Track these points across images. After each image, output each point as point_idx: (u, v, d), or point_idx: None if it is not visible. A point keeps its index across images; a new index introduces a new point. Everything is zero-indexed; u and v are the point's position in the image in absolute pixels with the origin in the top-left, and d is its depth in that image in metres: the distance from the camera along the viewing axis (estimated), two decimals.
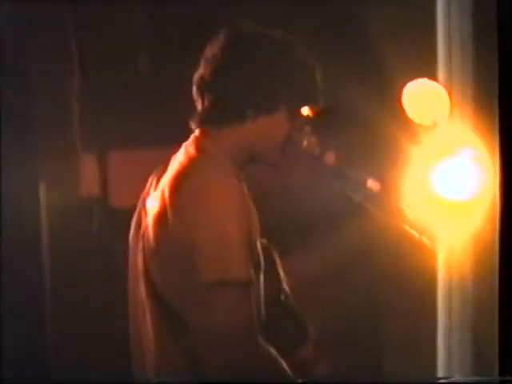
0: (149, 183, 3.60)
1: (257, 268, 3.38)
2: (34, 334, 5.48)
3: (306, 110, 3.52)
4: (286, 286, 3.66)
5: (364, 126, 4.26)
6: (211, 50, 3.51)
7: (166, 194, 3.41)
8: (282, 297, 3.58)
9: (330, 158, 3.66)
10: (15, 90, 4.99)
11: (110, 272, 4.68)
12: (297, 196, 3.93)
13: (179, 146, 3.55)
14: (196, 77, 3.53)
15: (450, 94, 4.09)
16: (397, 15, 4.42)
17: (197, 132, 3.54)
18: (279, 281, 3.62)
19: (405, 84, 4.15)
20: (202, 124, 3.52)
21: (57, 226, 4.97)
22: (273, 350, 3.34)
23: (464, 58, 4.41)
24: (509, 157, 3.83)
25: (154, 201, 3.48)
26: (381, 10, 4.43)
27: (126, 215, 3.64)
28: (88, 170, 5.17)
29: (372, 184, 3.78)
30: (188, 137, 3.54)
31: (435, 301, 4.79)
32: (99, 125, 5.15)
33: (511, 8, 4.15)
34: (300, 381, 3.48)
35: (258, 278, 3.39)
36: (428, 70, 4.31)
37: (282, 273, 3.66)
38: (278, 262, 3.62)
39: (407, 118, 4.14)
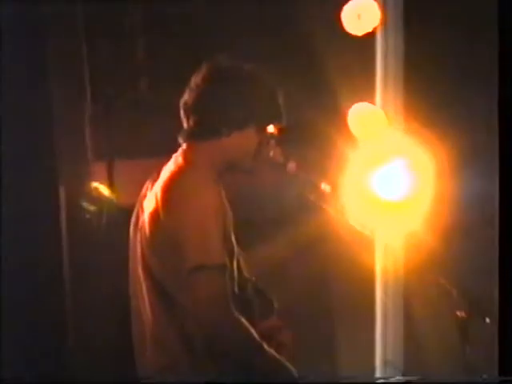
0: (145, 187, 3.61)
1: (231, 255, 3.42)
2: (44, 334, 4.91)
3: (271, 128, 3.56)
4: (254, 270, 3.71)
5: (317, 140, 4.28)
6: (194, 81, 3.56)
7: (159, 196, 3.45)
8: (253, 278, 3.60)
9: (291, 165, 3.70)
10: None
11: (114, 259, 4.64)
12: (265, 197, 3.95)
13: (169, 157, 3.58)
14: (182, 102, 3.57)
15: (385, 114, 4.17)
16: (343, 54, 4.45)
17: (184, 146, 3.58)
18: (250, 265, 3.65)
19: (349, 105, 4.25)
20: (187, 139, 3.57)
21: (73, 221, 4.97)
22: (245, 321, 3.33)
23: (396, 84, 4.42)
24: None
25: (149, 201, 3.52)
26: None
27: (127, 213, 3.68)
28: (98, 175, 5.17)
29: (324, 186, 3.83)
30: (176, 150, 3.58)
31: (373, 291, 4.79)
32: (108, 141, 5.17)
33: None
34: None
35: (232, 263, 3.41)
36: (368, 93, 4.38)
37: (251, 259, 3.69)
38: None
39: (351, 133, 4.22)
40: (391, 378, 4.69)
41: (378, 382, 4.66)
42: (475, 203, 4.71)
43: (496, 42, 4.27)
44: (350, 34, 4.50)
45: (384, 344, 4.73)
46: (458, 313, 4.19)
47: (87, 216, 5.19)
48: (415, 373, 4.31)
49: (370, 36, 4.53)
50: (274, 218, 3.88)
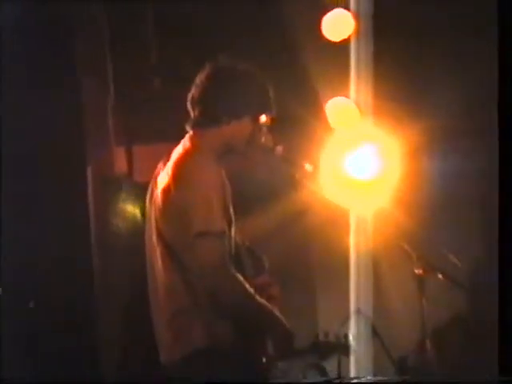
0: (158, 167, 3.59)
1: (229, 223, 3.43)
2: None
3: (263, 117, 3.56)
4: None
5: (301, 127, 4.27)
6: (199, 78, 3.55)
7: (170, 174, 3.45)
8: (247, 243, 3.61)
9: (279, 149, 3.67)
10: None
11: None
12: (257, 175, 3.95)
13: (178, 142, 3.57)
14: (189, 96, 3.56)
15: (358, 107, 4.18)
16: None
17: (190, 132, 3.56)
18: (245, 232, 3.64)
19: (327, 99, 4.26)
20: (193, 127, 3.56)
21: (100, 195, 4.99)
22: (240, 276, 3.34)
23: (367, 82, 4.41)
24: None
25: (161, 178, 3.51)
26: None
27: (144, 188, 3.68)
28: (119, 157, 5.17)
29: (307, 166, 3.84)
30: (184, 136, 3.57)
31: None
32: (127, 129, 5.16)
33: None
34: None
35: (230, 230, 3.42)
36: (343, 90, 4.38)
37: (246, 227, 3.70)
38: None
39: (329, 123, 4.23)
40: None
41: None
42: (435, 182, 4.70)
43: (452, 43, 4.30)
44: (329, 40, 4.48)
45: (357, 296, 4.71)
46: (416, 271, 4.23)
47: (111, 190, 5.16)
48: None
49: (346, 42, 4.50)
50: (265, 192, 3.87)
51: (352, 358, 4.71)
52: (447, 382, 4.17)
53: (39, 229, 4.68)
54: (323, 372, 4.99)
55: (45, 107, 4.63)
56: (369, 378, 4.37)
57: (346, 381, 4.21)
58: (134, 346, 4.66)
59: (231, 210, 3.49)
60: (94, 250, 4.92)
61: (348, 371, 4.73)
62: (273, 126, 3.63)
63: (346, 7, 4.51)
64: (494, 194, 4.34)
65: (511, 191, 3.63)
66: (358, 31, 4.51)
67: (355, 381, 4.27)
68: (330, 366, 4.92)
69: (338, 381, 4.36)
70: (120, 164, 5.20)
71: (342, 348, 4.77)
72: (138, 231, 3.79)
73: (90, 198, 4.95)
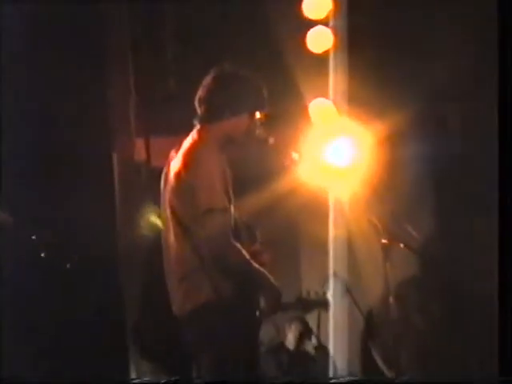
0: (171, 154, 3.55)
1: (230, 202, 3.40)
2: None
3: (258, 114, 3.53)
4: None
5: (289, 123, 4.22)
6: (206, 81, 3.52)
7: (181, 161, 3.43)
8: (244, 218, 3.56)
9: (271, 140, 3.65)
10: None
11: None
12: (253, 162, 3.91)
13: (188, 134, 3.53)
14: (197, 96, 3.53)
15: (335, 107, 4.16)
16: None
17: (197, 126, 3.52)
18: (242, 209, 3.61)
19: (311, 100, 4.25)
20: (200, 122, 3.52)
21: (123, 177, 4.94)
22: (238, 245, 3.33)
23: (343, 86, 4.37)
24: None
25: (174, 164, 3.49)
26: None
27: (159, 172, 3.65)
28: (140, 146, 5.11)
29: (294, 155, 3.81)
30: (193, 129, 3.53)
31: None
32: (146, 122, 5.11)
33: None
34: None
35: (230, 208, 3.40)
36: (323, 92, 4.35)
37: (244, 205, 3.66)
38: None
39: (312, 119, 4.21)
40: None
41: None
42: (399, 167, 4.65)
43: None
44: (312, 52, 4.44)
45: (334, 261, 4.67)
46: (383, 241, 4.22)
47: (132, 172, 5.10)
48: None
49: (326, 53, 4.46)
50: (259, 176, 3.84)
51: (330, 313, 4.68)
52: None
53: (73, 207, 4.61)
54: (305, 324, 5.01)
55: (78, 102, 4.57)
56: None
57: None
58: (152, 302, 4.60)
59: (231, 191, 3.46)
60: (119, 224, 4.89)
61: (327, 323, 4.68)
62: (266, 121, 3.59)
63: (326, 25, 4.42)
64: (450, 177, 4.36)
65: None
66: (335, 44, 4.45)
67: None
68: (312, 318, 4.93)
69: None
70: (140, 152, 5.13)
71: (322, 303, 4.79)
72: (154, 208, 3.67)
73: (116, 180, 4.93)
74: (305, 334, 5.06)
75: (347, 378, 3.92)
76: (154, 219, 3.73)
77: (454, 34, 4.40)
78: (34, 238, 4.49)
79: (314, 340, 5.02)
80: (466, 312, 4.35)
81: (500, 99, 3.32)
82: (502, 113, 3.30)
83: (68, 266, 4.60)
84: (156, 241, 3.65)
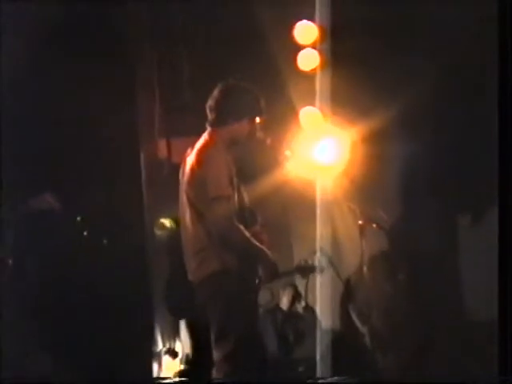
0: (187, 152, 3.46)
1: (233, 191, 3.32)
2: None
3: (257, 119, 3.44)
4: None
5: (283, 127, 4.13)
6: (214, 93, 3.45)
7: (194, 157, 3.37)
8: (246, 204, 3.45)
9: (268, 141, 3.58)
10: None
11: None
12: (253, 159, 3.81)
13: (200, 136, 3.45)
14: (207, 105, 3.45)
15: (321, 114, 4.08)
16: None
17: (208, 130, 3.44)
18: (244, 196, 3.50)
19: (301, 108, 4.17)
20: (210, 126, 3.44)
21: (148, 171, 4.86)
22: (241, 227, 3.27)
23: (327, 97, 4.28)
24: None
25: (189, 160, 3.42)
26: None
27: (177, 167, 3.56)
28: (162, 145, 5.03)
29: (287, 153, 3.74)
30: (204, 132, 3.44)
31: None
32: (166, 125, 5.03)
33: None
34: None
35: (234, 196, 3.32)
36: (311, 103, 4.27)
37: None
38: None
39: (302, 124, 4.13)
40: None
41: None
42: (373, 163, 4.53)
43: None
44: (303, 70, 4.34)
45: (320, 239, 4.56)
46: (359, 222, 4.15)
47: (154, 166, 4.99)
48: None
49: (313, 71, 4.37)
50: (258, 170, 3.76)
51: (316, 280, 4.59)
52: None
53: (108, 194, 4.56)
54: (296, 289, 4.95)
55: (112, 110, 4.43)
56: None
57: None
58: (173, 271, 4.52)
59: (235, 182, 3.38)
60: (146, 209, 4.80)
61: (314, 289, 4.59)
62: (264, 125, 3.51)
63: (314, 48, 4.35)
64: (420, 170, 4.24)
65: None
66: (321, 64, 4.37)
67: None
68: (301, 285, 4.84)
69: (331, 380, 3.81)
70: (162, 150, 5.05)
71: (310, 271, 4.69)
72: (174, 197, 3.56)
73: (143, 173, 4.84)
74: (296, 297, 5.01)
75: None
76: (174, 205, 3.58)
77: (438, 50, 4.21)
78: (78, 219, 4.47)
79: (303, 302, 4.97)
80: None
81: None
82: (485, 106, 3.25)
83: (106, 242, 4.56)
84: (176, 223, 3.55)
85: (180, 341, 4.74)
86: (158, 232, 4.67)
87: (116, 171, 4.56)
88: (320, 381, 3.58)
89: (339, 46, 4.31)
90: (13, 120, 4.05)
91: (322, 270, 4.54)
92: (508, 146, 2.93)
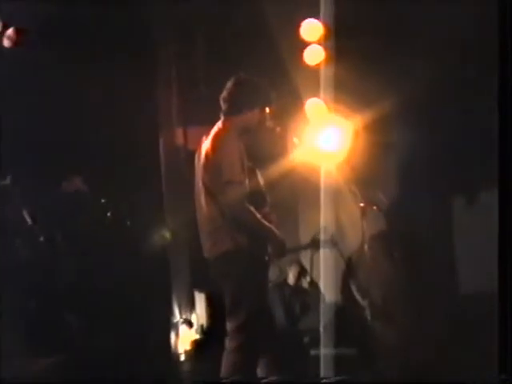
0: (202, 139, 3.39)
1: (245, 176, 3.26)
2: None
3: (267, 109, 3.37)
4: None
5: (291, 117, 4.05)
6: (227, 85, 3.39)
7: (209, 144, 3.31)
8: (256, 187, 3.37)
9: (278, 129, 3.52)
10: None
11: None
12: (263, 146, 3.72)
13: (214, 125, 3.38)
14: (221, 96, 3.39)
15: (325, 105, 4.00)
16: None
17: (222, 119, 3.38)
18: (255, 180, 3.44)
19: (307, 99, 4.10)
20: (224, 115, 3.37)
21: (167, 157, 4.85)
22: (252, 208, 3.20)
23: (330, 89, 4.19)
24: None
25: (204, 147, 3.35)
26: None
27: (193, 153, 3.49)
28: (179, 133, 4.98)
29: (295, 140, 3.67)
30: (218, 121, 3.38)
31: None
32: (184, 115, 4.98)
33: None
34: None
35: (245, 180, 3.26)
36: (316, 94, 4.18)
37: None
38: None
39: (308, 114, 4.04)
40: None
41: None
42: (373, 151, 4.45)
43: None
44: (309, 65, 4.25)
45: (324, 220, 4.49)
46: (361, 204, 4.09)
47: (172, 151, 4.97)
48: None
49: (318, 65, 4.29)
50: (268, 156, 3.68)
51: (320, 257, 4.53)
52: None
53: (130, 178, 4.52)
54: (302, 266, 4.91)
55: (134, 103, 4.42)
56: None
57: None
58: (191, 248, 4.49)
59: (246, 167, 3.32)
60: (164, 192, 4.76)
61: (318, 265, 4.52)
62: (273, 115, 3.44)
63: (319, 44, 4.26)
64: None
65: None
66: (325, 59, 4.26)
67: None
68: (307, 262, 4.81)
69: (334, 380, 3.44)
70: (179, 138, 4.99)
71: (315, 248, 4.66)
72: (190, 181, 3.51)
73: (162, 158, 4.82)
74: (301, 273, 5.00)
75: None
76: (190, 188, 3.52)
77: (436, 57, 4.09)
78: (103, 201, 4.47)
79: (308, 278, 4.95)
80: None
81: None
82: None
83: (128, 223, 4.55)
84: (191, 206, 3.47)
85: (195, 313, 4.74)
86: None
87: (138, 157, 4.52)
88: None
89: (342, 43, 4.23)
90: (50, 111, 4.09)
91: (325, 248, 4.49)
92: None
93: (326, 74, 4.22)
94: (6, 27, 3.78)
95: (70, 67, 4.11)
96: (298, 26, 4.25)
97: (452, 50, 3.89)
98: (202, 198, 3.33)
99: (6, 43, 3.81)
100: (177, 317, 4.73)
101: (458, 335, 3.51)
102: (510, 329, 2.61)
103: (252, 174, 3.36)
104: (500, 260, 2.73)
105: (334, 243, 4.53)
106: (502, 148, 2.76)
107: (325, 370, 3.29)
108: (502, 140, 2.77)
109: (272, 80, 3.48)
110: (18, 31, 3.75)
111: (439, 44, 3.90)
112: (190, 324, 4.71)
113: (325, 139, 4.00)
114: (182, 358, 4.57)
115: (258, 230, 3.24)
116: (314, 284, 4.93)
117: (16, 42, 3.82)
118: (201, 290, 4.68)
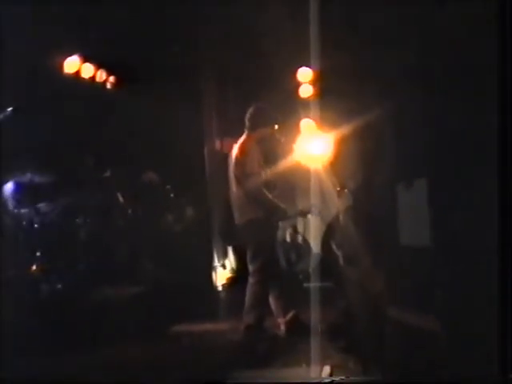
0: (233, 147, 3.34)
1: (261, 170, 3.24)
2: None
3: (276, 126, 3.33)
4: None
5: (291, 131, 3.97)
6: (249, 111, 3.36)
7: (237, 149, 3.28)
8: (269, 177, 3.32)
9: (283, 140, 3.42)
10: None
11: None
12: (274, 152, 3.63)
13: (240, 137, 3.34)
14: (246, 117, 3.35)
15: (315, 124, 3.93)
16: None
17: (246, 132, 3.34)
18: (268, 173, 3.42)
19: (301, 119, 4.03)
20: (247, 130, 3.34)
21: (209, 159, 4.83)
22: (267, 192, 3.19)
23: (317, 112, 4.10)
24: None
25: (234, 151, 3.31)
26: None
27: (227, 156, 3.45)
28: (218, 144, 4.95)
29: (294, 147, 3.56)
30: (243, 134, 3.33)
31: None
32: (221, 130, 4.92)
33: None
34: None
35: (261, 173, 3.23)
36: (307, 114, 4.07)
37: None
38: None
39: (302, 130, 3.98)
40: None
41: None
42: (348, 154, 4.34)
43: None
44: (303, 97, 4.22)
45: (312, 200, 4.39)
46: (338, 189, 4.00)
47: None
48: None
49: (309, 97, 4.25)
50: (277, 158, 3.58)
51: (310, 224, 4.51)
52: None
53: (184, 175, 4.57)
54: (296, 229, 4.93)
55: (185, 118, 4.42)
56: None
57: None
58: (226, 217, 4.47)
59: (261, 165, 3.30)
60: (208, 183, 4.74)
61: (308, 229, 4.53)
62: (280, 130, 3.39)
63: (310, 83, 4.25)
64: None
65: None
66: (314, 94, 4.22)
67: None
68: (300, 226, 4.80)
69: (332, 380, 2.56)
70: (218, 146, 4.97)
71: (306, 216, 4.59)
72: (225, 174, 3.45)
73: (206, 161, 4.82)
74: (296, 234, 5.01)
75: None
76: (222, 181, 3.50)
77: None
78: (168, 187, 4.58)
79: (300, 237, 4.97)
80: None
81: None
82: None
83: (185, 201, 4.71)
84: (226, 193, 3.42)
85: (228, 259, 4.77)
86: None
87: (190, 159, 4.57)
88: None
89: (326, 83, 4.17)
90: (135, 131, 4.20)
91: (313, 218, 4.48)
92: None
93: (314, 104, 4.19)
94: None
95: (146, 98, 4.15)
96: (295, 71, 4.28)
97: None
98: (233, 185, 3.33)
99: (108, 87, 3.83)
100: (216, 262, 4.79)
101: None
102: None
103: (266, 169, 3.32)
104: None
105: (319, 213, 4.52)
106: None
107: (313, 297, 3.30)
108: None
109: (278, 107, 3.48)
110: (116, 78, 3.75)
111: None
112: (224, 267, 4.78)
113: (314, 147, 3.97)
114: (220, 289, 4.63)
115: (270, 205, 3.24)
116: (305, 241, 4.99)
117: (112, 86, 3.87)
118: (232, 245, 4.73)
